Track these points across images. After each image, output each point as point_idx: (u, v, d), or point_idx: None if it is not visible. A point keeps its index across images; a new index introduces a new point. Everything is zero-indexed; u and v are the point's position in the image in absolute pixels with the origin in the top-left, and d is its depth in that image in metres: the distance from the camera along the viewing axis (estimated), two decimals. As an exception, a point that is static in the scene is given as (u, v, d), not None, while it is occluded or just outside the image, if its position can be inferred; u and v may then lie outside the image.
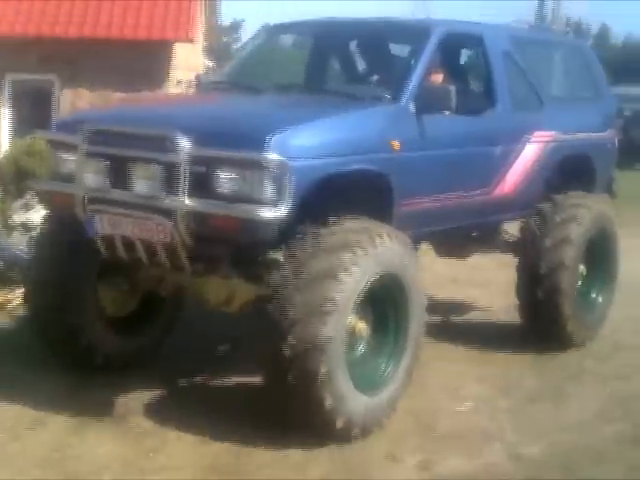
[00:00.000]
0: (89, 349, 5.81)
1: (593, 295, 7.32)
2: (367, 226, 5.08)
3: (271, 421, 5.10)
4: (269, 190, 4.67)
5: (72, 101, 15.43)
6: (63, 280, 5.64)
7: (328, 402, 4.78)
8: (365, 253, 4.85)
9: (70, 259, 5.65)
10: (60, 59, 15.23)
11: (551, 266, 6.66)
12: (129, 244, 5.17)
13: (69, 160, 5.40)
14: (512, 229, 7.48)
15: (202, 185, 4.79)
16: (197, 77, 6.77)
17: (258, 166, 4.66)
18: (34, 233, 7.25)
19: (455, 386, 6.03)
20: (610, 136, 7.80)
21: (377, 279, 4.98)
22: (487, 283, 8.90)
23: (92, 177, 5.16)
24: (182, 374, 6.11)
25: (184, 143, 4.77)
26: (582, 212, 6.89)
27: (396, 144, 5.43)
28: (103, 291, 5.88)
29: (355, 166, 5.16)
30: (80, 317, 5.72)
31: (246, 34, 63.62)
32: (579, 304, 6.96)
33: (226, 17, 70.03)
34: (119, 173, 5.07)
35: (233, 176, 4.73)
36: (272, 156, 4.65)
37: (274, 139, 4.71)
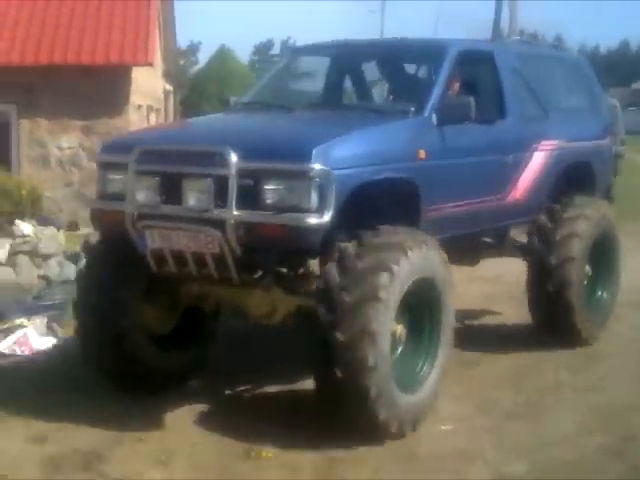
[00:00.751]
0: (140, 371, 6.02)
1: (599, 293, 7.74)
2: (405, 232, 5.46)
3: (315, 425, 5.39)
4: (314, 198, 5.04)
5: (31, 130, 15.10)
6: (112, 302, 5.87)
7: (373, 392, 5.09)
8: (406, 257, 5.22)
9: (118, 281, 5.90)
10: (16, 88, 14.65)
11: (561, 259, 7.06)
12: (179, 257, 5.48)
13: (118, 179, 5.73)
14: (517, 235, 7.91)
15: (250, 196, 5.13)
16: (227, 99, 7.14)
17: (304, 176, 5.03)
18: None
19: (433, 406, 5.80)
20: (607, 144, 8.29)
21: (415, 283, 5.34)
22: (458, 297, 9.11)
23: (143, 194, 5.49)
24: (226, 385, 6.40)
25: (233, 158, 5.13)
26: (589, 212, 7.35)
27: (422, 153, 5.83)
28: (148, 310, 6.11)
29: (387, 174, 5.54)
30: (131, 338, 5.94)
31: (204, 56, 63.94)
32: (586, 301, 7.37)
33: (183, 40, 70.22)
34: (169, 189, 5.40)
35: (280, 186, 5.09)
36: (317, 166, 5.02)
37: (317, 151, 5.08)
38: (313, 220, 5.02)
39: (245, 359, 7.00)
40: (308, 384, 5.92)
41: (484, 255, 7.87)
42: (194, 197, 5.28)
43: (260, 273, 5.71)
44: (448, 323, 5.74)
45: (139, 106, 16.70)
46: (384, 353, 5.15)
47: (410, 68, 6.81)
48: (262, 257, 5.43)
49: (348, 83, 7.33)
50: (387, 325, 5.16)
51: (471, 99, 6.05)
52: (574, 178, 7.65)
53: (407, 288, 5.27)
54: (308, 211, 5.04)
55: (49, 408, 5.85)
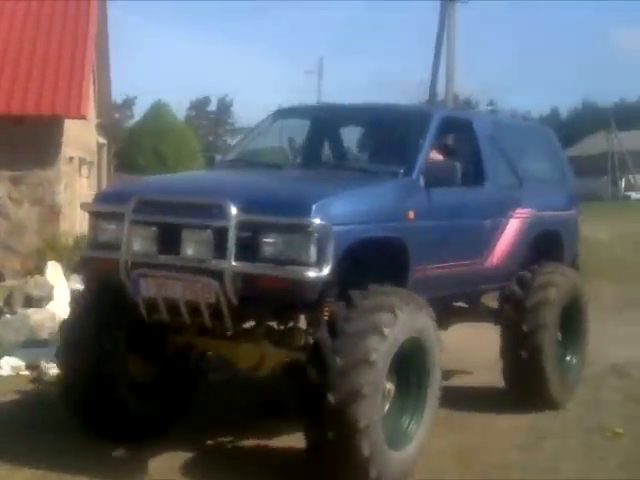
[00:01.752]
0: (122, 418, 6.04)
1: (568, 358, 7.93)
2: (395, 293, 5.59)
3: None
4: (313, 252, 5.15)
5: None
6: (97, 350, 5.92)
7: (366, 452, 5.13)
8: (396, 319, 5.33)
9: (102, 329, 5.97)
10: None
11: (533, 327, 7.24)
12: (172, 306, 5.52)
13: (111, 228, 5.80)
14: (487, 301, 8.13)
15: (248, 248, 5.23)
16: (211, 157, 7.30)
17: (304, 230, 5.15)
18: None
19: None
20: (574, 215, 8.59)
21: (404, 343, 5.44)
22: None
23: (139, 243, 5.57)
24: (207, 436, 6.39)
25: (233, 210, 5.24)
26: (558, 279, 7.57)
27: (411, 214, 6.01)
28: (132, 359, 6.17)
29: (380, 233, 5.73)
30: (114, 387, 5.97)
31: (139, 110, 64.21)
32: (557, 366, 7.54)
33: (118, 94, 70.57)
34: (166, 239, 5.48)
35: (279, 240, 5.21)
36: (317, 221, 5.16)
37: (317, 206, 5.23)
38: (312, 274, 5.13)
39: (229, 407, 7.03)
40: (293, 439, 6.03)
41: (456, 319, 8.02)
42: (192, 247, 5.37)
43: (249, 324, 5.79)
44: (436, 381, 5.84)
45: (71, 158, 16.53)
46: (375, 414, 5.21)
47: (394, 132, 7.03)
48: (258, 308, 5.52)
49: (333, 144, 7.53)
50: (378, 387, 5.23)
51: (457, 163, 6.29)
52: (543, 246, 7.89)
53: (397, 348, 5.37)
54: (307, 264, 5.15)
55: (26, 455, 5.82)
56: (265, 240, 5.23)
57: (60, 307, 9.39)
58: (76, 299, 6.30)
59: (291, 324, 5.95)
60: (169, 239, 5.46)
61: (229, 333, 5.82)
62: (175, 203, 5.60)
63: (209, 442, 6.34)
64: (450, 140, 6.87)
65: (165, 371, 6.42)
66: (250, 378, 6.91)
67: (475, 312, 7.97)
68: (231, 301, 5.25)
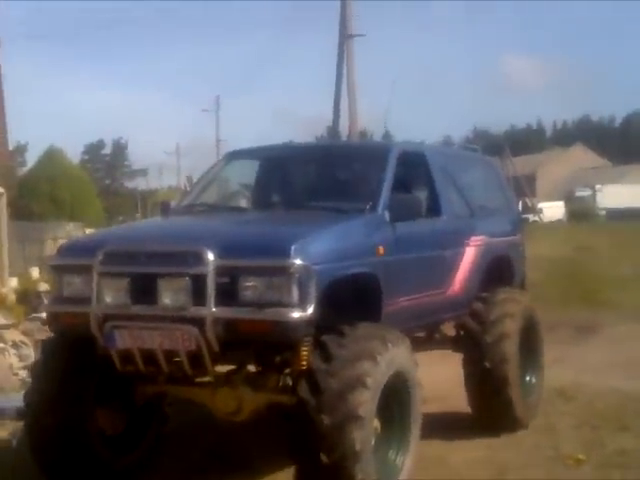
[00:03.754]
0: (92, 470, 5.89)
1: (528, 379, 8.03)
2: (380, 327, 5.67)
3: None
4: (295, 293, 5.13)
5: None
6: (66, 401, 5.76)
7: (359, 478, 5.12)
8: (387, 349, 5.41)
9: (72, 380, 5.81)
10: None
11: (496, 336, 7.31)
12: (148, 356, 5.42)
13: (77, 282, 5.64)
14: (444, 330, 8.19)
15: (228, 293, 5.17)
16: (165, 203, 7.18)
17: (285, 272, 5.12)
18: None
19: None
20: (521, 239, 8.79)
21: (392, 376, 5.47)
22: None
23: (111, 295, 5.43)
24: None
25: (210, 256, 5.17)
26: (516, 296, 7.80)
27: (381, 249, 6.05)
28: (101, 413, 6.02)
29: (356, 269, 5.74)
30: (84, 441, 5.83)
31: (31, 157, 62.99)
32: (520, 384, 7.61)
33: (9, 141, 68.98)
34: (140, 289, 5.36)
35: (260, 283, 5.16)
36: (297, 261, 5.13)
37: (296, 247, 5.20)
38: (296, 314, 5.10)
39: (195, 459, 6.89)
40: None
41: (416, 349, 8.05)
42: (170, 296, 5.27)
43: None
44: (418, 413, 5.87)
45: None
46: (369, 439, 5.22)
47: (354, 169, 7.06)
48: (239, 353, 5.48)
49: (291, 184, 7.50)
50: (372, 411, 5.25)
51: (420, 196, 6.36)
52: (495, 271, 8.03)
53: (386, 379, 5.39)
54: (289, 305, 5.12)
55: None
56: (245, 284, 5.17)
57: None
58: (46, 344, 6.17)
59: (268, 365, 5.88)
60: (143, 289, 5.36)
61: (205, 379, 5.74)
62: (148, 252, 5.48)
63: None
64: (407, 174, 6.91)
65: (134, 422, 6.30)
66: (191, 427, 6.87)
67: (434, 341, 8.04)
68: (212, 347, 5.18)
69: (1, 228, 21.41)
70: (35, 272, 21.14)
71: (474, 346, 7.43)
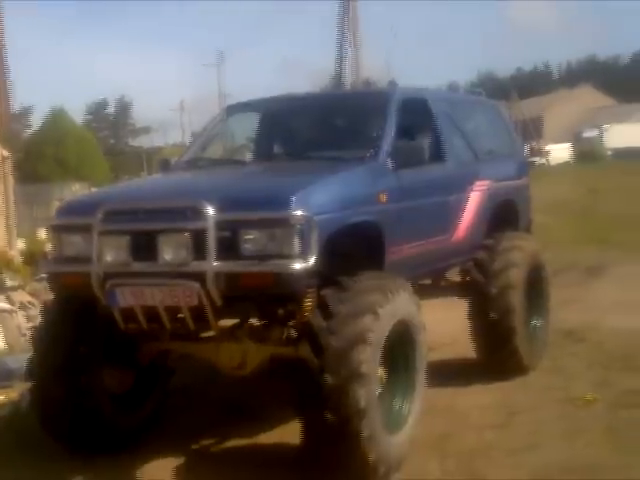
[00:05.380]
0: (98, 430, 5.89)
1: (534, 323, 7.98)
2: (382, 276, 5.60)
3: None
4: (297, 244, 5.06)
5: None
6: (70, 361, 5.74)
7: (365, 434, 5.10)
8: (388, 300, 5.33)
9: (75, 340, 5.78)
10: None
11: (501, 287, 7.26)
12: (151, 313, 5.38)
13: (78, 241, 5.59)
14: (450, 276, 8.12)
15: (229, 247, 5.10)
16: (165, 160, 7.10)
17: (286, 223, 5.05)
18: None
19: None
20: (526, 183, 8.68)
21: (395, 325, 5.42)
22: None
23: (112, 253, 5.36)
24: (189, 440, 6.29)
25: (210, 210, 5.10)
26: (521, 243, 7.68)
27: (383, 197, 5.97)
28: (107, 371, 6.01)
29: (357, 218, 5.66)
30: (91, 404, 5.81)
31: (36, 119, 62.89)
32: (526, 329, 7.57)
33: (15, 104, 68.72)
34: (140, 246, 5.30)
35: (261, 235, 5.09)
36: (298, 213, 5.06)
37: (296, 198, 5.13)
38: (298, 266, 5.04)
39: (195, 413, 6.91)
40: (274, 435, 6.11)
41: (421, 297, 8.01)
42: (170, 252, 5.20)
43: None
44: (423, 361, 5.84)
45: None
46: (373, 394, 5.17)
47: (355, 117, 6.95)
48: (241, 306, 5.43)
49: (291, 135, 7.40)
50: (375, 366, 5.21)
51: (423, 143, 6.26)
52: (501, 216, 7.96)
53: (389, 330, 5.34)
54: (291, 257, 5.05)
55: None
56: (246, 237, 5.10)
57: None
58: (48, 309, 6.12)
59: (271, 318, 5.84)
60: (143, 246, 5.28)
61: (207, 334, 5.71)
62: (147, 209, 5.42)
63: (194, 447, 6.22)
64: (409, 120, 6.79)
65: (139, 380, 6.30)
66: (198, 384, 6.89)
67: (440, 288, 7.99)
68: (215, 302, 5.13)
69: (8, 190, 21.40)
70: (42, 233, 21.13)
71: (479, 297, 7.38)
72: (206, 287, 5.07)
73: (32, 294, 12.05)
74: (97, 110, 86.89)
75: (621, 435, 6.03)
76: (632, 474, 5.38)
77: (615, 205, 20.64)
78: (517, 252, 7.55)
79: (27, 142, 39.79)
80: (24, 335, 9.66)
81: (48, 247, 15.67)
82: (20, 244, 20.32)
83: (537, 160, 57.41)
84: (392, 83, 7.40)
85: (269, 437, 6.23)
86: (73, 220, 5.70)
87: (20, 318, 10.52)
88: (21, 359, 7.47)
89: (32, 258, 16.06)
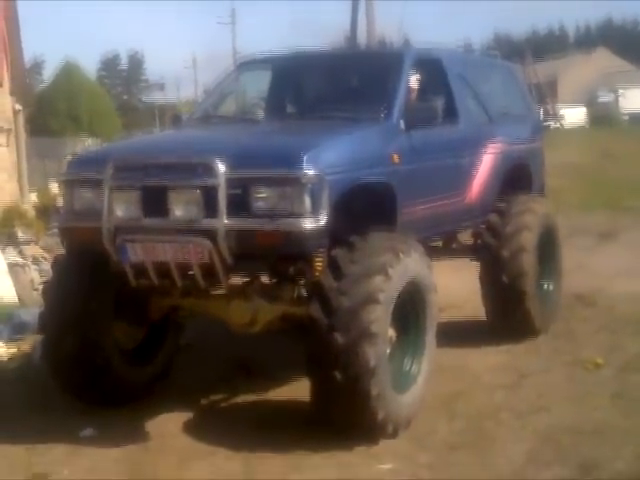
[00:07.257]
0: (108, 384, 5.94)
1: (546, 286, 7.97)
2: (393, 236, 5.58)
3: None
4: (308, 203, 5.05)
5: None
6: (81, 315, 5.77)
7: (374, 393, 5.13)
8: (399, 260, 5.32)
9: (86, 294, 5.80)
10: None
11: (513, 250, 7.25)
12: (162, 269, 5.39)
13: (89, 196, 5.59)
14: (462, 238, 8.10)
15: (240, 205, 5.10)
16: (177, 116, 7.06)
17: (297, 182, 5.04)
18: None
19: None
20: (540, 146, 8.64)
21: (406, 285, 5.42)
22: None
23: (122, 208, 5.37)
24: (198, 395, 6.34)
25: (222, 167, 5.08)
26: (534, 206, 7.64)
27: (396, 157, 5.94)
28: (117, 325, 6.05)
29: (369, 178, 5.65)
30: (99, 352, 5.85)
31: (48, 73, 62.66)
32: (537, 292, 7.56)
33: (25, 57, 68.25)
34: (151, 201, 5.30)
35: (272, 193, 5.08)
36: (309, 171, 5.05)
37: (308, 156, 5.11)
38: (309, 224, 5.04)
39: (205, 368, 6.97)
40: (284, 391, 6.18)
41: (432, 259, 8.00)
42: (181, 208, 5.21)
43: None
44: (433, 322, 5.84)
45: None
46: (383, 354, 5.20)
47: (368, 76, 6.88)
48: (252, 264, 5.42)
49: (304, 93, 7.35)
50: (385, 326, 5.22)
51: (436, 104, 6.21)
52: (514, 179, 7.91)
53: (400, 290, 5.34)
54: (302, 216, 5.05)
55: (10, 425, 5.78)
56: (257, 195, 5.09)
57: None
58: (59, 263, 6.12)
59: (282, 277, 5.85)
60: (154, 202, 5.28)
61: (218, 292, 5.72)
62: (158, 164, 5.39)
63: (203, 402, 6.28)
64: (422, 81, 6.73)
65: (149, 335, 6.34)
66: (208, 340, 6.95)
67: (451, 249, 7.98)
68: (225, 259, 5.14)
69: (20, 145, 21.45)
70: (54, 188, 21.18)
71: (491, 259, 7.36)
72: (217, 244, 5.07)
73: (44, 248, 12.10)
74: (110, 65, 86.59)
75: (629, 399, 6.04)
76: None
77: (629, 170, 20.46)
78: (529, 215, 7.51)
79: (39, 96, 39.58)
80: (36, 289, 9.71)
81: (60, 201, 15.76)
82: (32, 198, 20.38)
83: (552, 123, 56.88)
84: (407, 43, 7.32)
85: (278, 394, 6.27)
86: (84, 174, 5.69)
87: (33, 272, 10.58)
88: (33, 312, 7.54)
89: (45, 212, 16.11)
